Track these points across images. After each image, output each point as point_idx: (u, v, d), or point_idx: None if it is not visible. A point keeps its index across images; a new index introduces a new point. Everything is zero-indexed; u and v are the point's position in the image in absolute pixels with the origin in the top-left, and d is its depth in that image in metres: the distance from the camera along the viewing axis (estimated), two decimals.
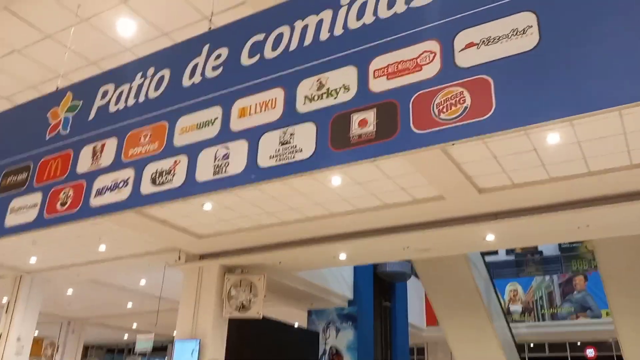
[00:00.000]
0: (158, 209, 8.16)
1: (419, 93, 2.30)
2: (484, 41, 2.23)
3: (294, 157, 2.52)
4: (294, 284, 11.25)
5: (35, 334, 13.56)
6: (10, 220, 3.53)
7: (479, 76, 2.18)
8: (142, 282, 13.47)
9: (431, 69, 2.31)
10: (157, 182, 2.95)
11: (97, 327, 19.10)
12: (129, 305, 15.88)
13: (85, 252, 10.91)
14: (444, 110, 2.21)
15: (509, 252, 18.77)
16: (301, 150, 2.51)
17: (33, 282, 12.54)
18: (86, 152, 3.38)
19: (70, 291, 14.31)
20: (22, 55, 4.71)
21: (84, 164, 3.35)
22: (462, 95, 2.19)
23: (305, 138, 2.53)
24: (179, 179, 2.88)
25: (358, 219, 8.06)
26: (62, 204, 3.31)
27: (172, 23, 4.29)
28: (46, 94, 3.85)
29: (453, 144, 2.20)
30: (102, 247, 10.51)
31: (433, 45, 2.35)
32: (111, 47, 4.54)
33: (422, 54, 2.37)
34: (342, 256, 9.41)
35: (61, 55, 4.57)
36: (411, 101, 2.30)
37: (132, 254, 10.80)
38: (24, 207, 3.50)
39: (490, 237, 8.08)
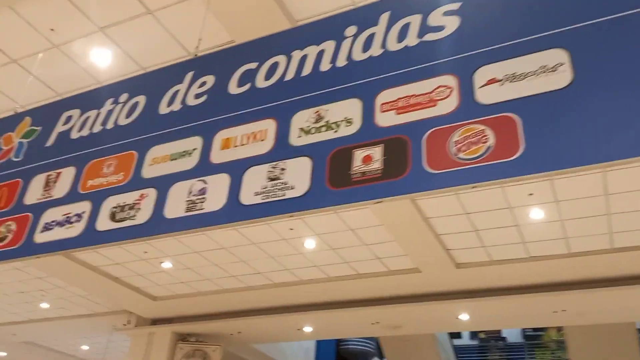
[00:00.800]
0: (112, 265, 7.53)
1: (433, 129, 2.02)
2: (508, 77, 2.00)
3: (284, 194, 2.17)
4: (252, 357, 10.44)
5: None
6: None
7: (503, 114, 1.93)
8: (84, 347, 12.34)
9: (447, 105, 2.06)
10: (117, 217, 2.53)
11: None
12: None
13: (25, 310, 9.95)
14: (463, 149, 1.92)
15: (473, 336, 18.27)
16: (293, 188, 2.17)
17: None
18: (38, 181, 2.95)
19: (1, 354, 12.96)
20: None
21: (34, 194, 2.90)
22: (484, 134, 1.92)
23: (298, 174, 2.19)
24: (143, 215, 2.46)
25: (328, 289, 7.59)
26: (1, 239, 2.82)
27: (153, 57, 4.01)
28: (0, 118, 3.44)
29: (474, 187, 1.90)
30: (45, 305, 9.60)
31: (449, 80, 2.11)
32: (83, 79, 4.20)
33: (436, 88, 2.12)
34: (307, 329, 8.80)
35: (26, 84, 4.20)
36: (424, 138, 2.02)
37: (77, 314, 9.89)
38: None
39: (464, 317, 7.69)
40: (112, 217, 2.55)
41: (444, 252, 6.39)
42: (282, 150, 2.31)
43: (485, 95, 2.00)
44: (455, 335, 16.70)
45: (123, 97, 3.01)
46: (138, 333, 9.31)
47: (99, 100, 3.08)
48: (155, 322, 9.32)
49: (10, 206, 2.94)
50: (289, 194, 2.16)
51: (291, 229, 6.30)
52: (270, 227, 6.28)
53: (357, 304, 7.81)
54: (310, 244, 6.60)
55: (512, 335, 18.26)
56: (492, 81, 2.02)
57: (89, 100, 3.15)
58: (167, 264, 7.42)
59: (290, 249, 6.77)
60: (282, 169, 2.25)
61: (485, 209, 5.67)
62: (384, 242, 6.42)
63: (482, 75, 2.06)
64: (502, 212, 5.69)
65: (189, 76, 2.84)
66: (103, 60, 4.05)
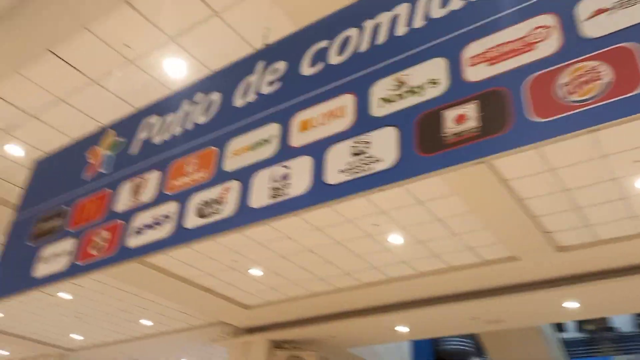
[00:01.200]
0: (203, 276, 7.70)
1: (534, 75, 1.79)
2: (618, 4, 1.74)
3: (371, 168, 2.02)
4: None
5: None
6: (40, 270, 3.11)
7: (618, 45, 1.67)
8: None
9: (548, 46, 1.82)
10: (204, 213, 2.49)
11: None
12: None
13: (128, 328, 10.45)
14: (574, 91, 1.68)
15: (580, 328, 17.08)
16: (380, 160, 2.01)
17: None
18: (125, 189, 2.99)
19: None
20: (68, 104, 4.52)
21: (123, 202, 2.94)
22: (597, 71, 1.67)
23: (384, 145, 2.04)
24: (229, 208, 2.40)
25: (420, 285, 7.32)
26: (97, 248, 2.87)
27: (223, 60, 4.00)
28: (86, 135, 3.55)
29: (591, 131, 1.65)
30: (145, 322, 10.03)
31: (547, 20, 1.87)
32: (158, 90, 4.28)
33: (532, 31, 1.89)
34: (402, 329, 8.55)
35: (107, 103, 4.35)
36: (525, 86, 1.79)
37: (175, 329, 10.24)
38: (55, 255, 3.09)
39: (571, 304, 7.13)
40: (199, 213, 2.51)
41: (542, 235, 5.94)
42: (364, 123, 2.16)
43: (592, 29, 1.75)
44: (560, 328, 15.70)
45: (198, 96, 3.00)
46: (234, 343, 9.47)
47: (176, 104, 3.09)
48: (250, 330, 9.42)
49: (103, 216, 3.00)
50: (377, 167, 2.01)
51: (376, 225, 6.12)
52: (354, 224, 6.14)
53: (453, 299, 7.47)
54: (396, 238, 6.38)
55: (624, 325, 16.90)
56: (599, 12, 1.77)
57: (166, 105, 3.17)
58: (255, 271, 7.47)
59: (376, 246, 6.59)
60: (366, 143, 2.10)
61: (586, 183, 5.21)
62: (475, 230, 6.08)
63: (585, 7, 1.80)
64: (606, 184, 5.20)
65: (260, 66, 2.78)
66: (176, 69, 4.11)
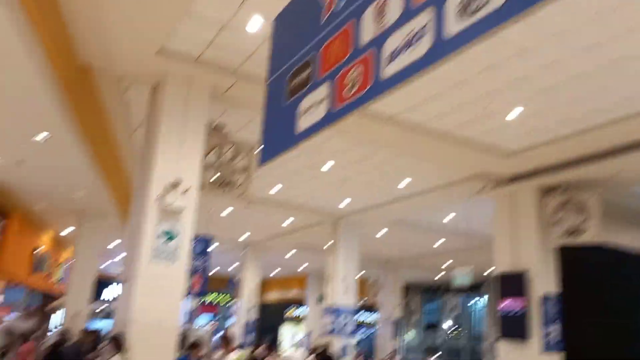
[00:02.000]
0: (458, 126, 7.23)
1: None
2: None
3: None
4: (637, 202, 8.99)
5: (360, 274, 14.45)
6: (301, 124, 3.05)
7: None
8: (448, 217, 12.95)
9: None
10: (469, 10, 1.96)
11: (412, 268, 19.71)
12: (438, 243, 15.68)
13: (389, 190, 10.86)
14: None
15: None
16: None
17: (348, 226, 13.32)
18: (367, 16, 2.62)
19: (382, 232, 14.81)
20: None
21: (368, 31, 2.60)
22: None
23: None
24: None
25: None
26: (351, 87, 2.63)
27: None
28: None
29: None
30: (405, 183, 10.24)
31: None
32: None
33: None
34: None
35: None
36: None
37: (435, 186, 10.25)
38: (313, 106, 2.98)
39: None
40: (463, 12, 1.99)
41: None
42: None
43: None
44: None
45: None
46: (499, 193, 9.04)
47: None
48: (515, 179, 8.81)
49: (350, 52, 2.71)
50: None
51: None
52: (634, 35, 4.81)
53: None
54: None
55: None
56: None
57: None
58: (514, 113, 6.69)
59: None
60: None
61: None
62: None
63: None
64: None
65: None
66: None
